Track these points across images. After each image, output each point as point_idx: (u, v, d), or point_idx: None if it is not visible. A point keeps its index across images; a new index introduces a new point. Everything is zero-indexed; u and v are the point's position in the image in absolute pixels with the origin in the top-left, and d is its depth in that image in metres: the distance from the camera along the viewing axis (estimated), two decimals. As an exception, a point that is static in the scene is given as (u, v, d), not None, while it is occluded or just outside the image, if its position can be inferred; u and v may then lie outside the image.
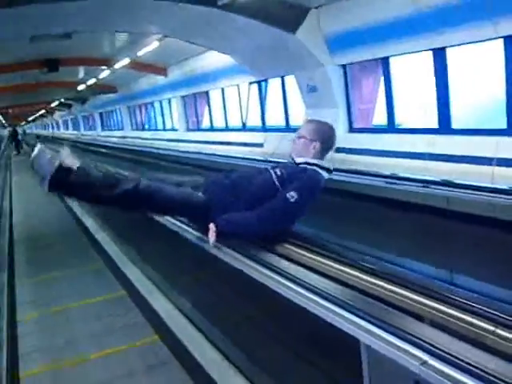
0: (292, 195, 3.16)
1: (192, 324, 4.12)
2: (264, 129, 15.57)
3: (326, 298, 2.34)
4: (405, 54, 9.52)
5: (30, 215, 12.35)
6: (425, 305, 2.20)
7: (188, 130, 22.46)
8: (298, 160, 3.48)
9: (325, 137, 3.53)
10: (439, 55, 8.71)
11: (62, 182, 3.09)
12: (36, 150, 3.24)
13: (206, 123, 21.21)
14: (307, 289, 2.49)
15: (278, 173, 3.33)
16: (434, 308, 2.16)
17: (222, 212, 3.19)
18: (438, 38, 8.31)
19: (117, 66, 20.52)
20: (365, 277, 2.51)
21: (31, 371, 4.37)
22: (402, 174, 5.95)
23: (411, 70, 10.91)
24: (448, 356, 1.81)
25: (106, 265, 6.87)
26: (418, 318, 2.12)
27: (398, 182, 5.59)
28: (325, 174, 3.40)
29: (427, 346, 1.88)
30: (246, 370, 3.27)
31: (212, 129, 20.18)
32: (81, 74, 25.51)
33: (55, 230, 10.27)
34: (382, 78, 10.42)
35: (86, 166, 3.24)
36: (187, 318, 4.25)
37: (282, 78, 13.96)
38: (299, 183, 3.25)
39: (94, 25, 14.10)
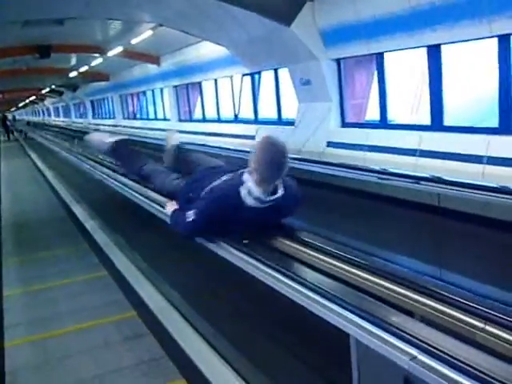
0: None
1: (168, 301, 4.31)
2: (256, 121, 15.53)
3: (315, 291, 2.34)
4: (399, 49, 9.52)
5: (19, 200, 12.27)
6: (415, 300, 2.21)
7: (180, 120, 22.38)
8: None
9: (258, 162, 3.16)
10: (433, 52, 8.71)
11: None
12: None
13: (198, 114, 21.14)
14: (297, 282, 2.49)
15: None
16: (424, 304, 2.18)
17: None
18: (432, 35, 8.30)
19: (109, 53, 20.41)
20: (355, 271, 2.52)
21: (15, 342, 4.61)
22: (392, 170, 5.96)
23: (404, 66, 10.95)
24: (437, 352, 1.81)
25: (91, 248, 7.03)
26: (409, 313, 2.12)
27: (389, 177, 5.60)
28: (247, 199, 3.15)
29: (417, 341, 1.88)
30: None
31: (204, 120, 20.11)
32: (73, 61, 25.35)
33: (44, 215, 10.22)
34: (376, 74, 10.42)
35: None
36: (164, 296, 4.44)
37: (276, 70, 13.93)
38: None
39: (87, 11, 13.97)
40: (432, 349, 1.83)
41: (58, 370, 4.03)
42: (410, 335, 1.92)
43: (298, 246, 2.94)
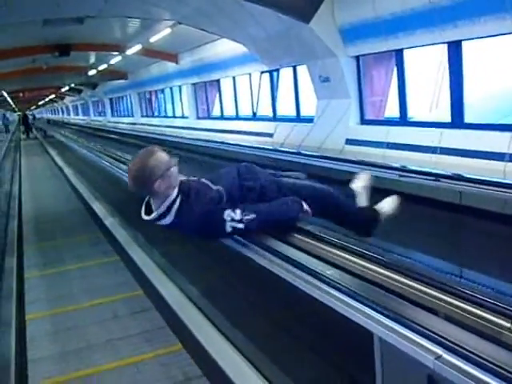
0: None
1: (171, 280, 4.73)
2: (274, 118, 15.52)
3: (339, 289, 2.33)
4: (419, 46, 9.45)
5: (38, 196, 12.39)
6: (439, 299, 2.18)
7: (198, 117, 22.43)
8: None
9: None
10: (454, 48, 8.63)
11: None
12: None
13: (216, 111, 21.17)
14: (320, 279, 2.48)
15: None
16: (449, 303, 2.15)
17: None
18: (453, 31, 8.22)
19: (128, 52, 20.50)
20: (379, 269, 2.49)
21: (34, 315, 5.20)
22: (412, 167, 5.91)
23: (422, 63, 10.86)
24: (463, 351, 1.79)
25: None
26: (433, 312, 2.10)
27: (409, 174, 5.55)
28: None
29: (442, 339, 1.86)
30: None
31: (222, 117, 20.14)
32: (92, 60, 25.51)
33: (62, 210, 10.34)
34: (395, 70, 10.35)
35: None
36: (167, 275, 4.87)
37: (294, 67, 13.90)
38: None
39: (106, 10, 14.06)
40: (457, 347, 1.80)
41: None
42: (435, 334, 1.89)
43: (317, 244, 2.93)
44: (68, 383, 3.91)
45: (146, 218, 3.01)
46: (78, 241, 7.90)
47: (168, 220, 2.96)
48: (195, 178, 3.21)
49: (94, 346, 4.37)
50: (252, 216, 2.94)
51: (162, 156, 2.95)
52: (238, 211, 2.93)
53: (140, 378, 3.82)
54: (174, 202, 2.94)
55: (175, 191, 2.96)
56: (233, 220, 2.90)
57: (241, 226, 2.91)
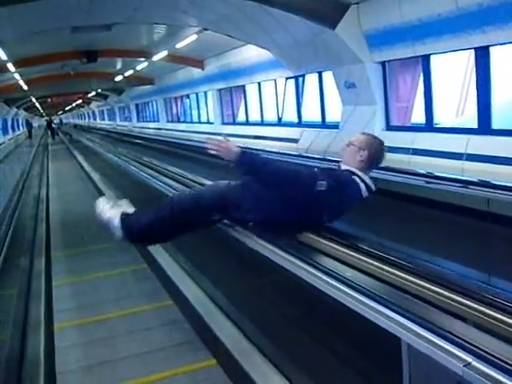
0: (321, 183, 3.16)
1: (173, 260, 5.65)
2: (300, 124, 15.53)
3: (367, 295, 2.33)
4: (447, 52, 9.39)
5: (65, 200, 12.55)
6: (469, 306, 2.18)
7: (223, 123, 22.54)
8: (343, 167, 3.46)
9: (373, 149, 3.43)
10: (482, 54, 8.57)
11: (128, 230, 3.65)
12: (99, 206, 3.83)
13: (241, 117, 21.25)
14: (348, 285, 2.48)
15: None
16: (478, 310, 2.15)
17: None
18: (481, 37, 8.16)
19: (155, 58, 20.71)
20: (406, 276, 2.50)
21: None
22: (439, 173, 5.87)
23: (448, 68, 10.78)
24: (492, 358, 1.78)
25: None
26: (462, 318, 2.10)
27: (435, 181, 5.52)
28: (363, 190, 3.33)
29: (471, 347, 1.86)
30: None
31: (247, 123, 20.21)
32: (118, 66, 25.82)
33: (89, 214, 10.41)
34: (421, 76, 10.30)
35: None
36: (170, 255, 5.84)
37: (320, 73, 13.91)
38: (333, 178, 3.27)
39: (135, 17, 14.24)
40: (487, 355, 1.80)
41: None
42: (464, 341, 1.89)
43: (346, 250, 2.94)
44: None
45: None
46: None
47: None
48: None
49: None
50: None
51: None
52: None
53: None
54: None
55: None
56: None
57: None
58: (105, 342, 4.54)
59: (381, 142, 3.49)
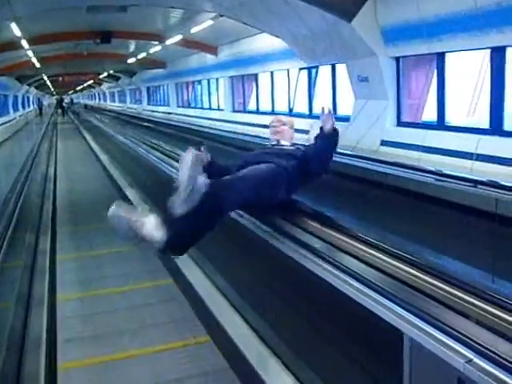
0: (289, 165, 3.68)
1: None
2: (310, 116, 15.49)
3: (371, 288, 2.34)
4: (462, 50, 9.34)
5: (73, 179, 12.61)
6: (472, 303, 2.18)
7: (234, 110, 22.50)
8: (286, 142, 4.13)
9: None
10: (498, 54, 8.52)
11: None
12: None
13: (252, 105, 21.21)
14: (352, 276, 2.49)
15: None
16: (481, 307, 2.15)
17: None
18: (498, 37, 8.10)
19: (168, 41, 20.64)
20: (411, 270, 2.51)
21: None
22: (448, 171, 5.86)
23: (461, 67, 10.71)
24: (494, 355, 1.79)
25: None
26: (465, 315, 2.10)
27: (444, 179, 5.51)
28: None
29: (473, 343, 1.86)
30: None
31: (258, 111, 20.16)
32: (132, 48, 25.77)
33: (96, 194, 10.48)
34: (435, 74, 10.24)
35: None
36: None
37: (333, 66, 13.85)
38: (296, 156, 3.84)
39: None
40: (488, 352, 1.81)
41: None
42: (466, 337, 1.90)
43: (353, 242, 2.95)
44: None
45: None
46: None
47: None
48: None
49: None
50: None
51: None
52: None
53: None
54: None
55: None
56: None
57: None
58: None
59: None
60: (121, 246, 6.26)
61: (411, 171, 5.78)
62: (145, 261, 6.03)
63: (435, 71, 10.24)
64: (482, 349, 1.83)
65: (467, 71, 10.92)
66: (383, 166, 6.51)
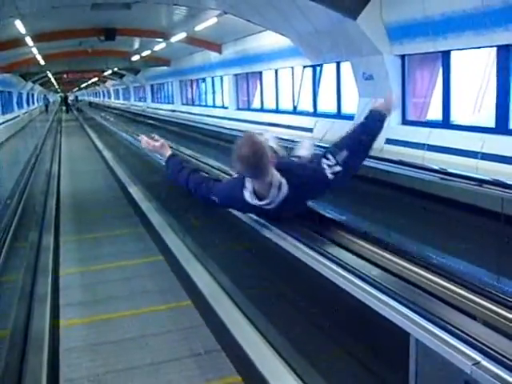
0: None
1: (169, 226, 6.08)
2: (315, 114, 15.46)
3: (377, 288, 2.31)
4: (468, 48, 9.29)
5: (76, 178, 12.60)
6: (480, 305, 2.15)
7: (238, 108, 22.47)
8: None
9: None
10: (504, 53, 8.47)
11: None
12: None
13: (256, 103, 21.18)
14: (358, 276, 2.46)
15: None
16: (488, 309, 2.12)
17: None
18: (504, 35, 8.05)
19: (173, 39, 20.63)
20: (419, 271, 2.48)
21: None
22: (452, 170, 5.82)
23: (466, 65, 10.66)
24: (502, 358, 1.76)
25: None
26: (472, 316, 2.07)
27: (449, 177, 5.48)
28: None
29: (481, 346, 1.83)
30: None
31: (262, 109, 20.14)
32: (136, 45, 25.76)
33: (100, 192, 10.49)
34: (440, 72, 10.20)
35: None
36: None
37: (338, 63, 13.81)
38: None
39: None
40: (496, 354, 1.78)
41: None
42: (474, 339, 1.87)
43: (360, 242, 2.92)
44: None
45: (258, 203, 3.08)
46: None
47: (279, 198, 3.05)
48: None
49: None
50: (344, 153, 3.13)
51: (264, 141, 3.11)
52: (330, 156, 3.13)
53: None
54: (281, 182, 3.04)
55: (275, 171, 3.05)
56: (329, 166, 3.08)
57: (338, 168, 3.08)
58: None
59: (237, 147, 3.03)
60: (120, 229, 7.45)
61: (415, 170, 5.74)
62: (139, 241, 6.80)
63: (440, 69, 10.20)
64: (490, 351, 1.80)
65: (472, 69, 10.86)
66: (387, 164, 6.47)
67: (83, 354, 4.00)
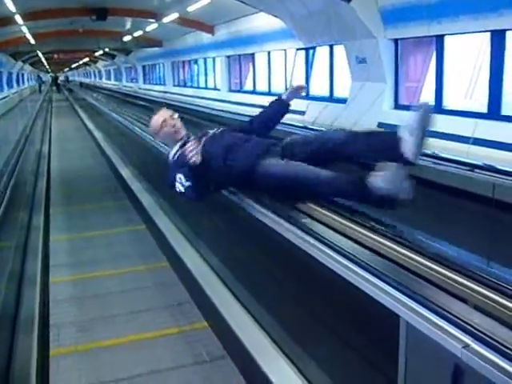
0: None
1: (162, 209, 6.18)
2: (307, 97, 15.38)
3: (367, 270, 2.31)
4: (462, 33, 9.26)
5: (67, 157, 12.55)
6: (470, 288, 2.16)
7: (230, 90, 22.34)
8: None
9: None
10: (497, 38, 8.44)
11: None
12: None
13: (248, 85, 21.07)
14: (347, 257, 2.46)
15: None
16: (479, 292, 2.12)
17: None
18: (498, 20, 8.02)
19: (165, 20, 20.41)
20: (410, 254, 2.48)
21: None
22: (445, 155, 5.82)
23: (461, 50, 10.63)
24: (491, 341, 1.77)
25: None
26: (463, 300, 2.07)
27: (441, 162, 5.48)
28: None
29: (471, 329, 1.84)
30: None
31: (254, 92, 20.03)
32: (128, 26, 25.51)
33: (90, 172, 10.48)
34: (434, 57, 10.16)
35: None
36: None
37: (331, 46, 13.73)
38: None
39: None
40: (486, 338, 1.78)
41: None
42: (464, 322, 1.87)
43: (352, 225, 2.91)
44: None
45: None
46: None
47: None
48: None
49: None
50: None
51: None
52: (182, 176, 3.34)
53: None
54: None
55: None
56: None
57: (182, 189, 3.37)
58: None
59: None
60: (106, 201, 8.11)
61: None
62: (123, 213, 7.41)
63: (434, 54, 10.17)
64: (481, 334, 1.81)
65: (465, 54, 10.83)
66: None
67: (70, 304, 4.58)
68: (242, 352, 3.17)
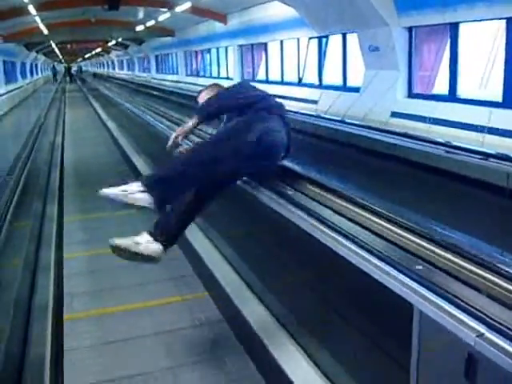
0: None
1: None
2: (320, 86, 15.33)
3: (381, 259, 2.30)
4: (477, 20, 9.16)
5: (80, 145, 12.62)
6: (484, 277, 2.14)
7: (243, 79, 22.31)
8: None
9: None
10: (513, 25, 8.36)
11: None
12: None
13: (261, 75, 21.02)
14: (361, 247, 2.46)
15: None
16: (492, 281, 2.11)
17: None
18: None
19: (178, 9, 20.38)
20: (423, 243, 2.46)
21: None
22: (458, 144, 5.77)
23: (476, 38, 10.54)
24: (506, 330, 1.75)
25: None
26: (476, 288, 2.06)
27: (454, 151, 5.43)
28: None
29: (485, 317, 1.82)
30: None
31: (267, 81, 19.98)
32: (140, 15, 25.50)
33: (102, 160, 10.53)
34: (448, 45, 10.07)
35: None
36: None
37: (344, 35, 13.65)
38: None
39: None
40: (501, 327, 1.77)
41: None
42: (478, 311, 1.86)
43: (366, 215, 2.91)
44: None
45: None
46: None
47: None
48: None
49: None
50: None
51: None
52: None
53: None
54: None
55: None
56: None
57: None
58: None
59: None
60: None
61: (420, 142, 5.68)
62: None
63: (448, 42, 10.07)
64: (494, 323, 1.79)
65: (480, 43, 10.74)
66: (391, 136, 6.41)
67: (83, 277, 5.01)
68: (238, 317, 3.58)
